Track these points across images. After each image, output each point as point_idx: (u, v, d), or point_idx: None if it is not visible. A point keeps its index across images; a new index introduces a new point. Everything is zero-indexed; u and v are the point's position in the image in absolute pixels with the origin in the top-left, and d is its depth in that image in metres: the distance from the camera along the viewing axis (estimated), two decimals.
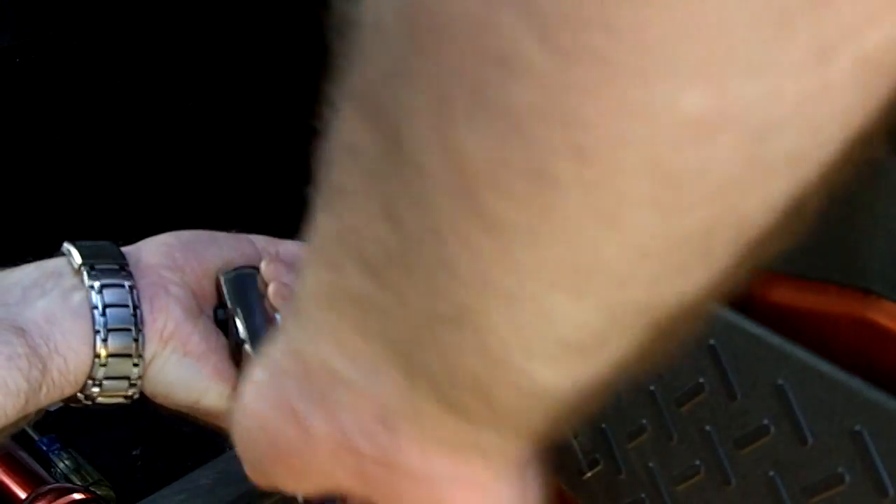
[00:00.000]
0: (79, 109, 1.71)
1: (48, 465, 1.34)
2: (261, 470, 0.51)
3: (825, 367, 0.54)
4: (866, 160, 0.53)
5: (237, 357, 0.71)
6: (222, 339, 0.71)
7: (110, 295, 0.67)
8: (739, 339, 0.59)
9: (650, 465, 0.71)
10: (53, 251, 0.82)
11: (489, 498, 0.45)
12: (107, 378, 0.66)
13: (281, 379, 0.45)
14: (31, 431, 1.41)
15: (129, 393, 0.68)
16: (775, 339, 0.57)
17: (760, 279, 0.62)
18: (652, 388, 0.67)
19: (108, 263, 0.70)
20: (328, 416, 0.43)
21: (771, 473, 0.60)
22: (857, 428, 0.53)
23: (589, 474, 0.79)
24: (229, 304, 0.71)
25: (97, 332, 0.65)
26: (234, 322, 0.70)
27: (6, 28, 1.63)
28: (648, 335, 0.37)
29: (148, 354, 0.67)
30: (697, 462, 0.66)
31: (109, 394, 0.67)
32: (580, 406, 0.41)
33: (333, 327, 0.41)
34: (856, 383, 0.53)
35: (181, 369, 0.68)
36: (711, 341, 0.60)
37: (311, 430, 0.44)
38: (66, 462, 1.36)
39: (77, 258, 0.70)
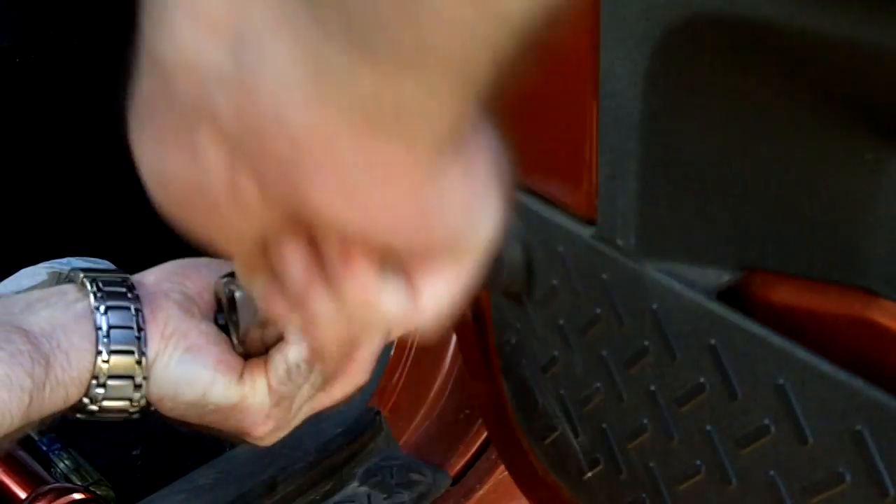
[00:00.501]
0: (79, 110, 1.71)
1: (48, 465, 1.34)
2: (186, 223, 0.43)
3: (826, 366, 0.54)
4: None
5: (237, 331, 0.71)
6: (223, 335, 0.72)
7: (112, 299, 0.67)
8: (740, 339, 0.59)
9: (651, 464, 0.71)
10: (51, 249, 0.82)
11: (412, 187, 0.37)
12: (111, 377, 0.67)
13: (149, 109, 0.39)
14: (31, 432, 1.41)
15: (135, 397, 0.68)
16: (776, 339, 0.57)
17: (761, 279, 0.63)
18: (652, 387, 0.67)
19: (110, 277, 0.70)
20: (208, 119, 0.36)
21: (771, 473, 0.60)
22: (858, 427, 0.53)
23: (589, 474, 0.79)
24: (224, 279, 0.71)
25: (98, 328, 0.66)
26: (229, 289, 0.70)
27: (6, 28, 1.63)
28: None
29: (151, 353, 0.68)
30: (698, 462, 0.66)
31: (114, 396, 0.67)
32: (521, 53, 0.33)
33: None
34: (856, 383, 0.53)
35: (184, 365, 0.69)
36: (712, 341, 0.60)
37: (198, 143, 0.37)
38: (66, 462, 1.36)
39: (80, 274, 0.70)
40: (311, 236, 0.42)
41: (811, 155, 0.56)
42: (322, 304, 0.44)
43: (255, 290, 0.48)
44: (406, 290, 0.44)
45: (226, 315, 0.72)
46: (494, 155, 0.42)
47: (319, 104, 0.34)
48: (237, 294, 0.70)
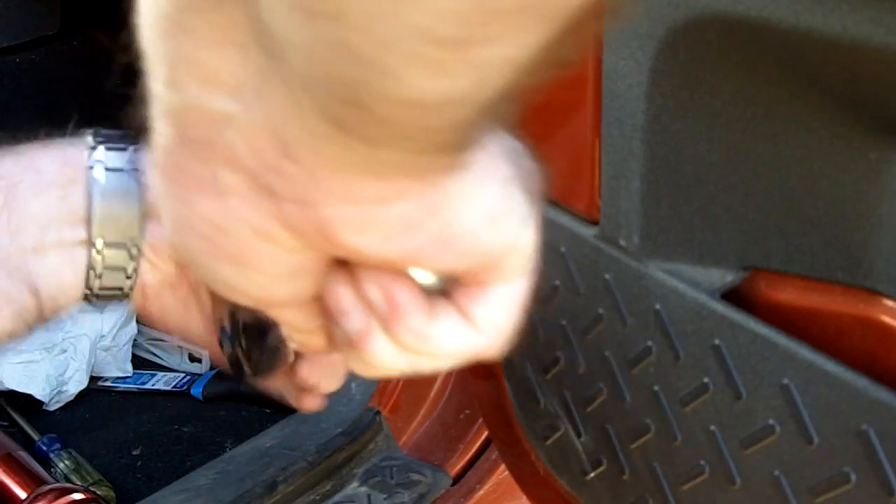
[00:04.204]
0: (79, 110, 1.70)
1: (48, 465, 1.34)
2: (211, 275, 0.44)
3: (831, 366, 0.54)
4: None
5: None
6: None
7: (110, 266, 0.66)
8: (745, 339, 0.59)
9: (654, 464, 0.71)
10: None
11: (423, 204, 0.38)
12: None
13: (169, 160, 0.40)
14: (31, 431, 1.41)
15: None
16: (781, 339, 0.57)
17: (765, 279, 0.63)
18: (656, 388, 0.67)
19: (118, 233, 0.68)
20: (228, 163, 0.38)
21: (776, 473, 0.60)
22: (864, 427, 0.53)
23: (592, 474, 0.79)
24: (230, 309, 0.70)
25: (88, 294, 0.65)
26: (240, 319, 0.69)
27: (6, 28, 1.63)
28: (545, 29, 0.31)
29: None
30: (702, 462, 0.66)
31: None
32: (489, 115, 0.35)
33: (191, 53, 0.36)
34: (861, 382, 0.53)
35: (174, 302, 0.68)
36: (716, 341, 0.60)
37: (221, 187, 0.39)
38: (66, 462, 1.35)
39: (96, 228, 0.67)
40: (354, 277, 0.42)
41: (815, 155, 0.56)
42: (381, 345, 0.44)
43: (299, 338, 0.48)
44: (460, 320, 0.44)
45: (235, 344, 0.71)
46: (515, 161, 0.42)
47: (315, 156, 0.36)
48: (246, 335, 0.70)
